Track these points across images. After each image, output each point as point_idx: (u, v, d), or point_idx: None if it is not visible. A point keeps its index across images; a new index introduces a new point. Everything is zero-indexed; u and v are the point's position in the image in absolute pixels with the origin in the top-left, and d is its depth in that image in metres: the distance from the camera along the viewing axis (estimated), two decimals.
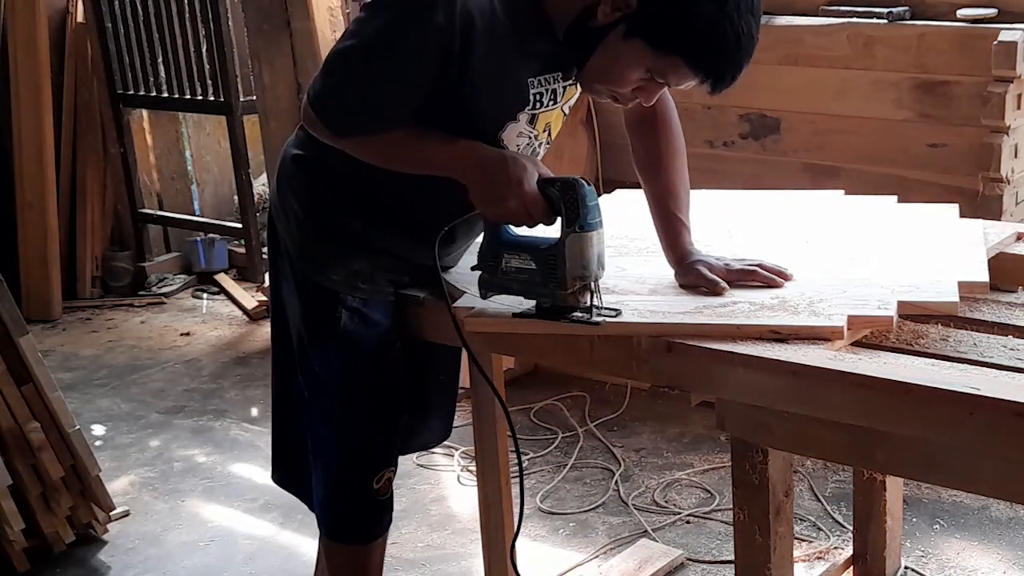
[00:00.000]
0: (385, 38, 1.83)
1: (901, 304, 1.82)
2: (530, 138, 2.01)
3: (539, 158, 2.05)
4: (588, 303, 1.85)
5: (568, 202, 1.81)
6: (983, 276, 1.95)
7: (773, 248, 2.12)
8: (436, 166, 1.93)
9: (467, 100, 1.88)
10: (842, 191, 2.55)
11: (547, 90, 1.96)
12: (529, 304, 1.91)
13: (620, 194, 2.63)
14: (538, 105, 1.96)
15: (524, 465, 3.41)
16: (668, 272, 2.04)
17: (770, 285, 1.94)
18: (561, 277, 1.83)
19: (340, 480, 2.18)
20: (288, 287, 2.15)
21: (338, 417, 2.14)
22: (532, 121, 1.98)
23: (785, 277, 1.96)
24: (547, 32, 1.89)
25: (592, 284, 1.84)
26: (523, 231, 1.92)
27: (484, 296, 1.95)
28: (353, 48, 1.86)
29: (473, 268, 1.96)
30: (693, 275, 1.98)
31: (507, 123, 1.95)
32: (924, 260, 2.04)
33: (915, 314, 1.86)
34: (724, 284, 1.94)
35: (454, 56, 1.81)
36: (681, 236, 2.05)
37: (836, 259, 2.08)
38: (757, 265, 1.98)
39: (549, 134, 2.07)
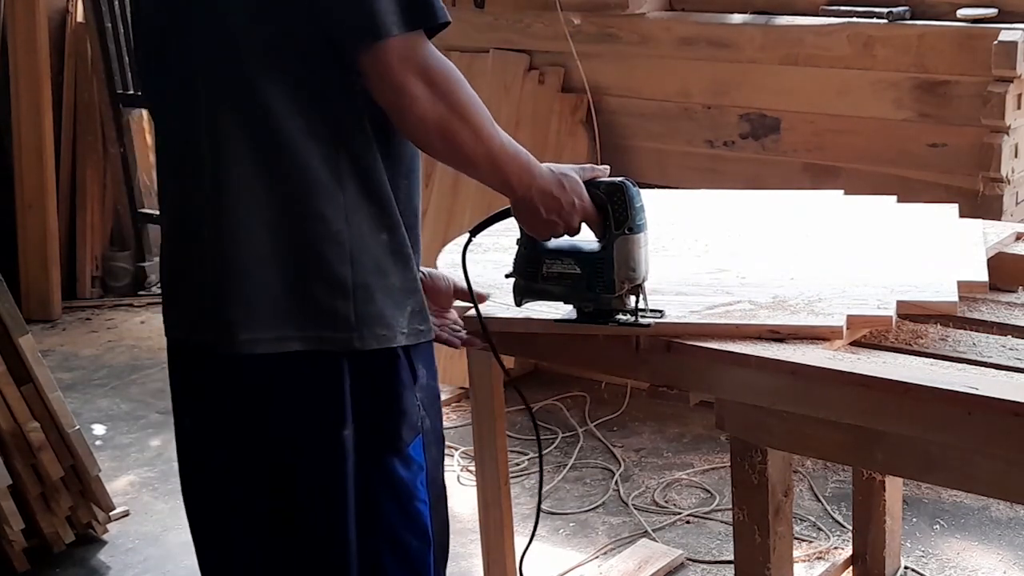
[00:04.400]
0: None
1: (900, 304, 1.82)
2: None
3: None
4: (634, 305, 1.81)
5: (616, 204, 1.75)
6: (982, 276, 1.95)
7: (773, 248, 2.13)
8: (497, 164, 1.65)
9: None
10: (842, 191, 2.55)
11: None
12: (567, 309, 1.86)
13: None
14: None
15: (523, 465, 3.44)
16: (667, 272, 2.03)
17: None
18: (609, 280, 1.78)
19: None
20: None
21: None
22: None
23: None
24: None
25: (639, 286, 1.80)
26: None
27: (519, 303, 1.88)
28: None
29: (508, 275, 1.88)
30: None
31: None
32: (924, 260, 2.04)
33: (914, 314, 1.86)
34: None
35: None
36: None
37: (835, 259, 2.08)
38: None
39: None
